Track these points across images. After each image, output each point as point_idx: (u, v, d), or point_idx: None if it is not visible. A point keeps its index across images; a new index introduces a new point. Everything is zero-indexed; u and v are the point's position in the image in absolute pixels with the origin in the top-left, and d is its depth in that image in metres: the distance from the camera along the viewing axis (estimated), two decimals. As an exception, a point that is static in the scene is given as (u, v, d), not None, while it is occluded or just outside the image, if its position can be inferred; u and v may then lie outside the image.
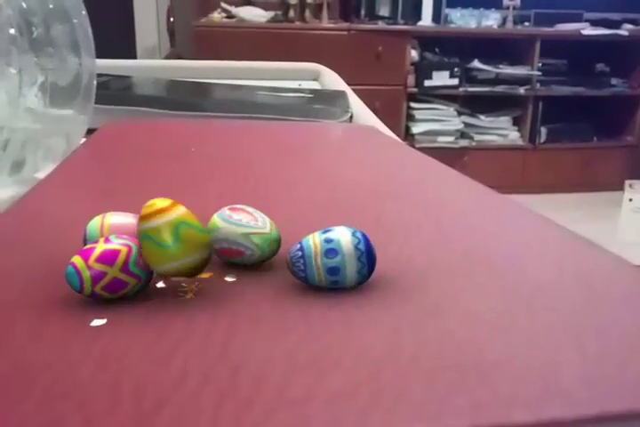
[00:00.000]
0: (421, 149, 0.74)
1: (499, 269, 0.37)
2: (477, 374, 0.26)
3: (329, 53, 2.91)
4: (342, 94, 1.17)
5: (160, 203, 0.33)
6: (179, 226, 0.32)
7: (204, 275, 0.36)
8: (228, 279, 0.35)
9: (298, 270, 0.33)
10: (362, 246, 0.33)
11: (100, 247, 0.31)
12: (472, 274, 0.36)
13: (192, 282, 0.35)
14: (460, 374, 0.26)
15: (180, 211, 0.33)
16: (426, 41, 3.22)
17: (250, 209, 0.37)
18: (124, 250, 0.32)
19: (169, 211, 0.32)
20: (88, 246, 0.32)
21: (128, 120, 0.89)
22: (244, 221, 0.36)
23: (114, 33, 2.88)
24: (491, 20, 3.26)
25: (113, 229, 0.37)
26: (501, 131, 3.33)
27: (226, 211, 0.37)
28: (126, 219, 0.37)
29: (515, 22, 3.28)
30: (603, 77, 3.43)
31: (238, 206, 0.37)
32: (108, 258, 0.31)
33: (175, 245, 0.32)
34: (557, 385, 0.25)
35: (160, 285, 0.34)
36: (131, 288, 0.31)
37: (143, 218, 0.32)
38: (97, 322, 0.30)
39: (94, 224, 0.37)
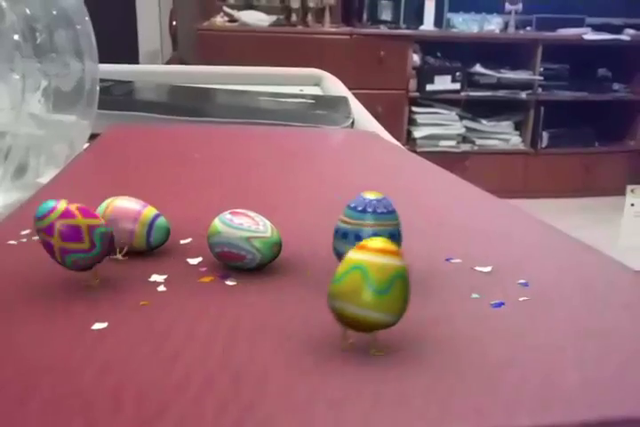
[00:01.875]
0: (423, 154, 0.74)
1: (500, 273, 0.37)
2: (479, 378, 0.26)
3: (331, 57, 2.91)
4: (344, 100, 1.17)
5: (385, 242, 0.28)
6: (398, 276, 0.27)
7: (205, 279, 0.36)
8: (229, 283, 0.35)
9: None
10: None
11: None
12: (473, 279, 0.36)
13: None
14: (461, 379, 0.26)
15: (404, 261, 0.28)
16: (428, 45, 3.22)
17: (251, 213, 0.37)
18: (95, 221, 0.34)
19: (395, 255, 0.27)
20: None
21: (131, 125, 0.89)
22: (246, 225, 0.36)
23: (116, 37, 2.89)
24: (493, 25, 3.26)
25: (116, 211, 0.39)
26: (503, 135, 3.33)
27: (227, 215, 0.37)
28: (130, 204, 0.40)
29: (517, 27, 3.28)
30: (604, 82, 3.42)
31: (239, 210, 0.38)
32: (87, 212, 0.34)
33: (387, 292, 0.27)
34: (558, 390, 0.25)
35: (161, 288, 0.34)
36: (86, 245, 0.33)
37: (361, 248, 0.27)
38: (98, 325, 0.30)
39: (103, 204, 0.40)
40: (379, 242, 0.27)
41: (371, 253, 0.27)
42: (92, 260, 0.33)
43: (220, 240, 0.36)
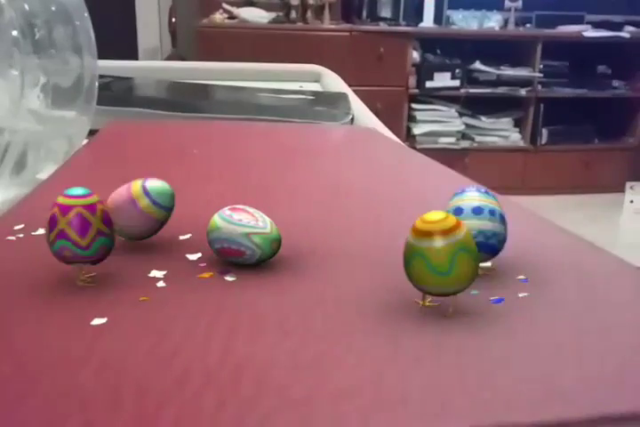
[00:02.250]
0: (422, 150, 0.74)
1: (499, 269, 0.37)
2: (478, 374, 0.26)
3: (330, 54, 2.91)
4: (343, 96, 1.17)
5: (444, 220, 0.29)
6: (457, 252, 0.29)
7: (205, 274, 0.36)
8: (229, 279, 0.35)
9: None
10: None
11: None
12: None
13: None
14: (460, 375, 0.26)
15: (463, 232, 0.29)
16: (427, 42, 3.22)
17: (250, 209, 0.37)
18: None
19: (451, 232, 0.29)
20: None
21: (130, 121, 0.89)
22: (245, 221, 0.36)
23: (115, 33, 2.88)
24: (492, 22, 3.26)
25: (112, 205, 0.39)
26: (502, 132, 3.33)
27: (226, 211, 0.37)
28: (117, 193, 0.39)
29: (516, 24, 3.27)
30: (604, 79, 3.42)
31: (239, 206, 0.37)
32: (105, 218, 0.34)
33: (450, 273, 0.29)
34: (558, 386, 0.25)
35: (161, 284, 0.34)
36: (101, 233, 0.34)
37: (417, 233, 0.29)
38: (97, 321, 0.30)
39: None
40: (430, 223, 0.29)
41: (426, 238, 0.29)
42: (79, 257, 0.34)
43: (219, 236, 0.36)
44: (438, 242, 0.29)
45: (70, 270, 0.35)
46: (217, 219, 0.37)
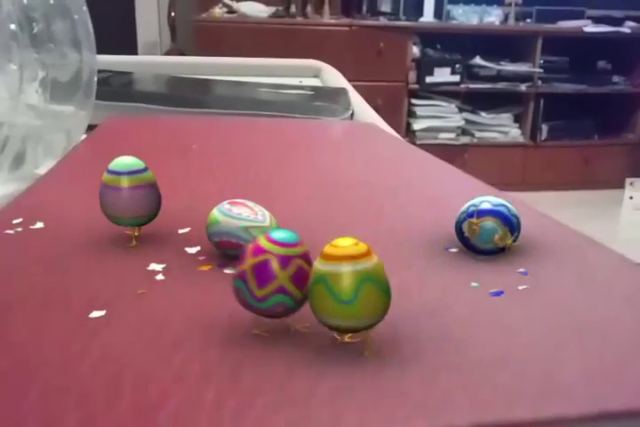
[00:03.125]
0: (422, 146, 0.74)
1: (499, 262, 0.37)
2: (478, 371, 0.26)
3: (330, 49, 2.90)
4: (343, 91, 1.17)
5: (351, 247, 0.26)
6: (363, 281, 0.26)
7: (204, 267, 0.36)
8: (228, 271, 0.35)
9: None
10: None
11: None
12: (472, 268, 0.36)
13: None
14: (460, 372, 0.26)
15: (372, 261, 0.27)
16: (427, 37, 3.21)
17: (250, 203, 0.37)
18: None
19: (359, 259, 0.26)
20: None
21: (129, 116, 0.89)
22: (244, 215, 0.36)
23: (114, 28, 2.88)
24: (492, 17, 3.25)
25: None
26: (502, 128, 3.33)
27: (225, 204, 0.37)
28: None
29: (517, 19, 3.27)
30: (604, 75, 3.42)
31: (238, 200, 0.37)
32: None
33: (353, 302, 0.26)
34: (558, 383, 0.25)
35: (160, 277, 0.34)
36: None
37: (325, 257, 0.27)
38: (96, 314, 0.30)
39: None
40: (338, 248, 0.26)
41: (332, 262, 0.26)
42: (291, 311, 0.29)
43: (218, 229, 0.36)
44: (344, 267, 0.26)
45: (70, 264, 0.35)
46: (216, 212, 0.37)
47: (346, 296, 0.26)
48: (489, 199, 0.39)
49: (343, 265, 0.26)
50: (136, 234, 0.41)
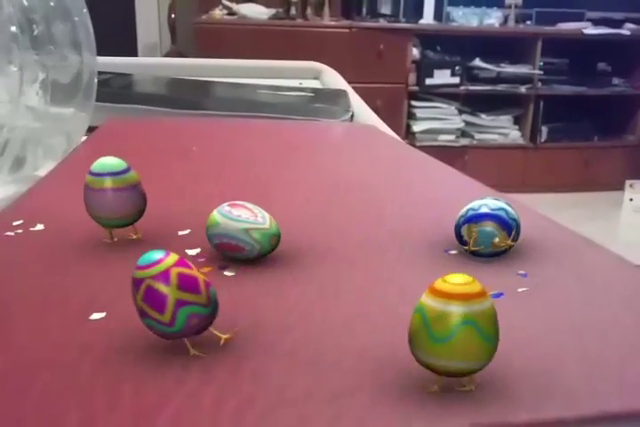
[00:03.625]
0: (422, 148, 0.74)
1: (498, 264, 0.37)
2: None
3: (330, 51, 2.90)
4: (343, 93, 1.17)
5: (466, 285, 0.25)
6: (464, 323, 0.24)
7: (204, 269, 0.36)
8: (228, 274, 0.35)
9: None
10: None
11: None
12: (472, 270, 0.36)
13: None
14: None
15: (480, 306, 0.24)
16: (427, 39, 3.22)
17: (249, 205, 0.37)
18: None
19: (470, 299, 0.24)
20: None
21: (129, 118, 0.89)
22: (244, 217, 0.36)
23: (115, 30, 2.88)
24: (492, 19, 3.26)
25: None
26: (502, 130, 3.33)
27: (225, 207, 0.37)
28: None
29: (516, 21, 3.27)
30: (604, 77, 3.42)
31: (238, 202, 0.37)
32: None
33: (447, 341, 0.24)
34: (558, 384, 0.25)
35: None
36: None
37: (432, 292, 0.25)
38: (96, 315, 0.30)
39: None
40: (448, 284, 0.25)
41: (437, 299, 0.25)
42: (208, 318, 0.27)
43: (218, 232, 0.36)
44: (452, 307, 0.24)
45: (70, 265, 0.35)
46: (216, 214, 0.37)
47: (441, 335, 0.24)
48: (488, 203, 0.39)
49: (446, 303, 0.25)
50: (134, 237, 0.41)
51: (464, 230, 0.38)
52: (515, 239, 0.38)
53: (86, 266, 0.36)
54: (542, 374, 0.26)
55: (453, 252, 0.40)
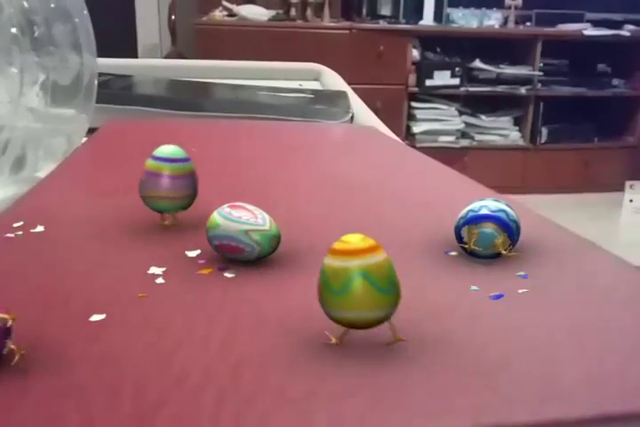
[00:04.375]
0: (422, 149, 0.74)
1: (499, 266, 0.37)
2: (478, 374, 0.26)
3: (330, 52, 2.90)
4: (343, 95, 1.17)
5: (358, 243, 0.27)
6: (358, 275, 0.27)
7: (204, 271, 0.36)
8: (228, 275, 0.35)
9: None
10: None
11: None
12: (472, 271, 0.36)
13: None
14: (460, 374, 0.26)
15: (371, 260, 0.27)
16: (427, 40, 3.22)
17: (250, 206, 0.37)
18: None
19: (361, 254, 0.27)
20: None
21: (129, 119, 0.89)
22: (244, 219, 0.36)
23: (115, 31, 2.88)
24: (492, 20, 3.26)
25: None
26: (502, 131, 3.33)
27: (225, 208, 0.37)
28: None
29: (516, 22, 3.27)
30: (604, 78, 3.42)
31: (238, 204, 0.37)
32: None
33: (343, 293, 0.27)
34: (558, 386, 0.25)
35: (160, 281, 0.34)
36: None
37: (334, 253, 0.28)
38: (96, 317, 0.30)
39: None
40: (342, 242, 0.28)
41: (333, 257, 0.28)
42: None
43: (218, 233, 0.36)
44: (336, 262, 0.27)
45: (70, 266, 0.35)
46: (216, 216, 0.37)
47: (337, 287, 0.27)
48: (487, 204, 0.38)
49: (338, 259, 0.27)
50: (166, 223, 0.43)
51: (464, 232, 0.38)
52: (515, 242, 0.38)
53: (86, 267, 0.36)
54: (542, 375, 0.26)
55: (453, 253, 0.40)
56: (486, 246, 0.38)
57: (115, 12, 3.01)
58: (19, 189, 0.59)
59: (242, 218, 0.36)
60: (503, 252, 0.37)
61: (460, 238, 0.39)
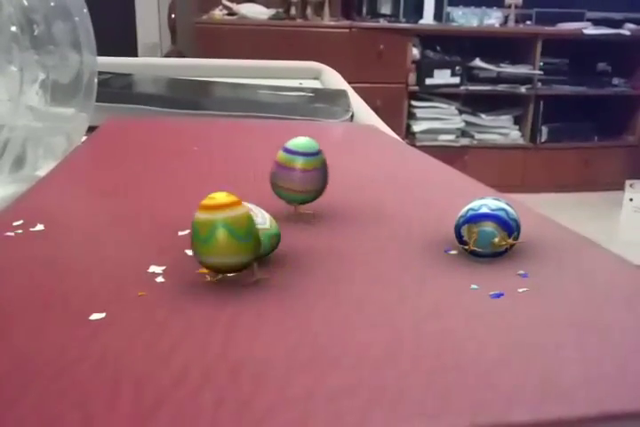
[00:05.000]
0: (422, 148, 0.74)
1: (499, 265, 0.37)
2: (477, 373, 0.26)
3: (330, 51, 2.90)
4: (343, 93, 1.17)
5: (221, 198, 0.33)
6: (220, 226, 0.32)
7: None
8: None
9: None
10: None
11: None
12: (472, 270, 0.36)
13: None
14: (460, 374, 0.26)
15: (232, 213, 0.33)
16: (427, 39, 3.22)
17: (250, 205, 0.37)
18: None
19: (224, 208, 0.33)
20: None
21: (129, 118, 0.89)
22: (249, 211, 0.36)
23: (115, 30, 2.88)
24: (492, 19, 3.26)
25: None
26: (502, 130, 3.33)
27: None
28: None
29: (516, 21, 3.27)
30: (604, 77, 3.43)
31: None
32: None
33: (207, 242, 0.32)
34: (558, 385, 0.25)
35: (160, 280, 0.34)
36: None
37: (202, 207, 0.33)
38: (96, 316, 0.30)
39: None
40: (209, 199, 0.33)
41: (202, 211, 0.33)
42: None
43: None
44: (202, 214, 0.33)
45: (70, 266, 0.35)
46: None
47: (204, 236, 0.32)
48: (488, 203, 0.39)
49: (209, 213, 0.33)
50: (304, 212, 0.45)
51: (464, 231, 0.38)
52: (515, 239, 0.38)
53: (86, 266, 0.36)
54: (542, 374, 0.26)
55: (453, 252, 0.40)
56: (486, 245, 0.38)
57: (115, 10, 3.01)
58: (18, 188, 0.59)
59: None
60: (508, 241, 0.38)
61: (460, 237, 0.39)
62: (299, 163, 0.43)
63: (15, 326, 0.29)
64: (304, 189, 0.44)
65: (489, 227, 0.37)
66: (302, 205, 0.46)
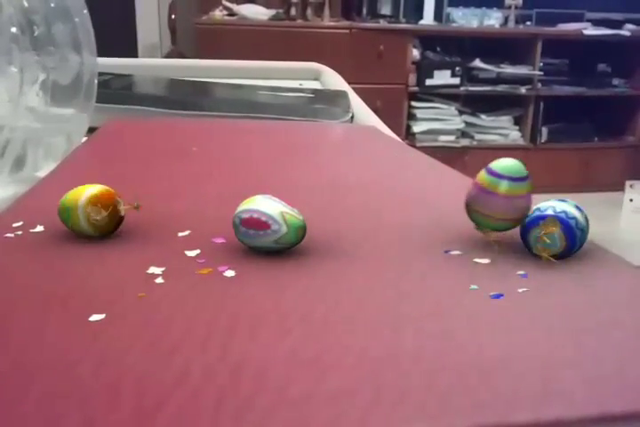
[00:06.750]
0: (422, 148, 0.74)
1: (499, 265, 0.37)
2: (478, 373, 0.26)
3: (330, 52, 2.90)
4: (343, 94, 1.17)
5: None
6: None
7: (203, 270, 0.36)
8: (228, 275, 0.35)
9: None
10: None
11: None
12: (472, 271, 0.36)
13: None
14: (460, 374, 0.26)
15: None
16: (427, 40, 3.22)
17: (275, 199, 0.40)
18: None
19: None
20: None
21: (129, 119, 0.89)
22: (283, 204, 0.38)
23: (115, 31, 2.88)
24: (492, 20, 3.26)
25: None
26: (502, 130, 3.33)
27: (267, 195, 0.39)
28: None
29: (516, 22, 3.27)
30: (604, 77, 3.42)
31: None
32: None
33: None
34: (558, 385, 0.25)
35: (159, 281, 0.34)
36: None
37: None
38: (95, 317, 0.30)
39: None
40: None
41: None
42: None
43: (252, 207, 0.38)
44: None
45: (69, 267, 0.35)
46: (258, 196, 0.38)
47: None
48: (566, 209, 0.38)
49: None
50: (492, 238, 0.40)
51: (535, 231, 0.38)
52: (572, 249, 0.39)
53: (86, 267, 0.36)
54: (542, 375, 0.26)
55: (453, 252, 0.40)
56: (538, 249, 0.38)
57: (115, 11, 3.01)
58: (18, 189, 0.59)
59: (282, 202, 0.38)
60: (546, 256, 0.38)
61: (526, 234, 0.39)
62: (502, 188, 0.39)
63: (15, 327, 0.29)
64: (503, 218, 0.39)
65: (555, 233, 0.38)
66: (494, 231, 0.41)
